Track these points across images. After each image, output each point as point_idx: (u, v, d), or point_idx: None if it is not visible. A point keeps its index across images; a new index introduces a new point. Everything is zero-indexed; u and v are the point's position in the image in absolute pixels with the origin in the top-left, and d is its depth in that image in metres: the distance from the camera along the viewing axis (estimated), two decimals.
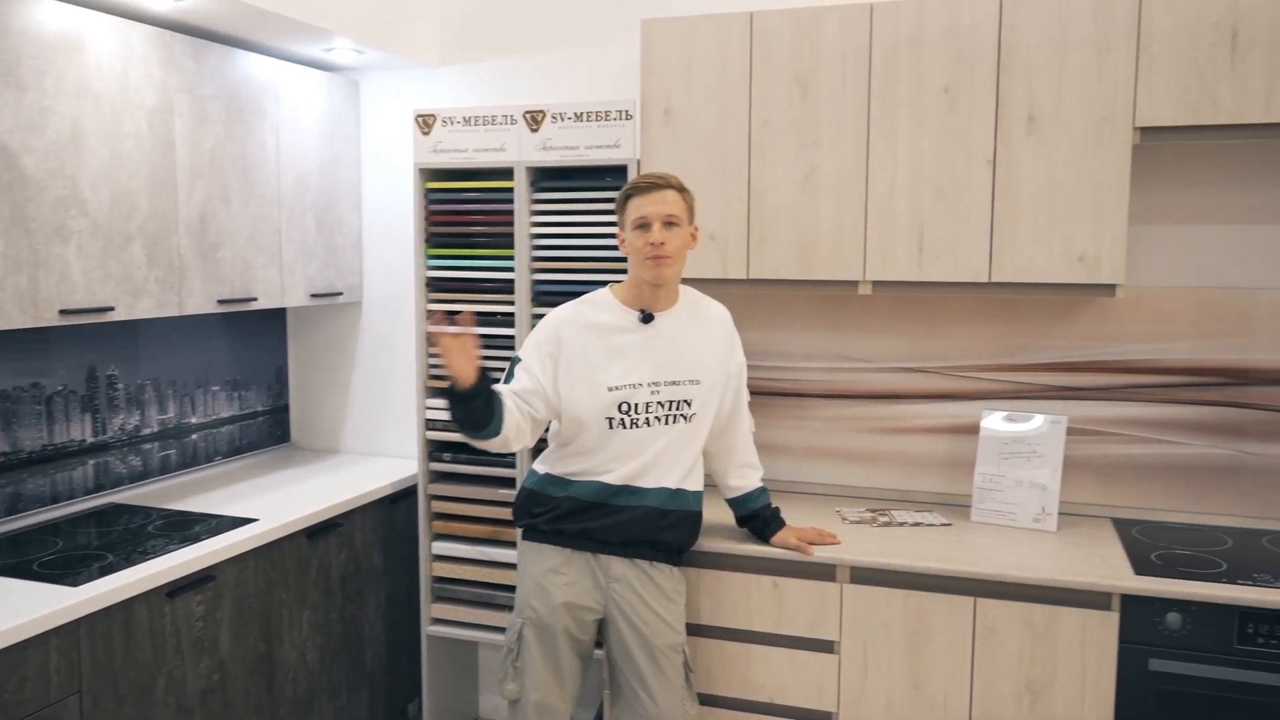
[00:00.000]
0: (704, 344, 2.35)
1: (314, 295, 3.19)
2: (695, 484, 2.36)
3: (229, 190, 2.84)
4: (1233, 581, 2.20)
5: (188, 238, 2.70)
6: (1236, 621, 2.16)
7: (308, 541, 2.75)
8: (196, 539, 2.47)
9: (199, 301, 2.75)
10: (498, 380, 2.23)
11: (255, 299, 2.94)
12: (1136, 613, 2.22)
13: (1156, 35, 2.33)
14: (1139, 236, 2.68)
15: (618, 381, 2.27)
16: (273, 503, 2.83)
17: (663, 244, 2.23)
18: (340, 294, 3.33)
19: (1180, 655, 2.20)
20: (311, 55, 3.15)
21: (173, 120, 2.64)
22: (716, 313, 2.42)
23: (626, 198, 2.29)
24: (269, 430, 3.51)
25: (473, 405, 2.17)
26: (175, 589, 2.32)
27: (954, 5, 2.46)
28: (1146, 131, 2.38)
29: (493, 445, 2.27)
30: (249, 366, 3.41)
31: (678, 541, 2.35)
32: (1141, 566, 2.30)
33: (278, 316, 3.54)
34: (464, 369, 2.12)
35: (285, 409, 3.58)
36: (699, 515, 2.39)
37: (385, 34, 3.04)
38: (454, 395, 2.16)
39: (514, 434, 2.26)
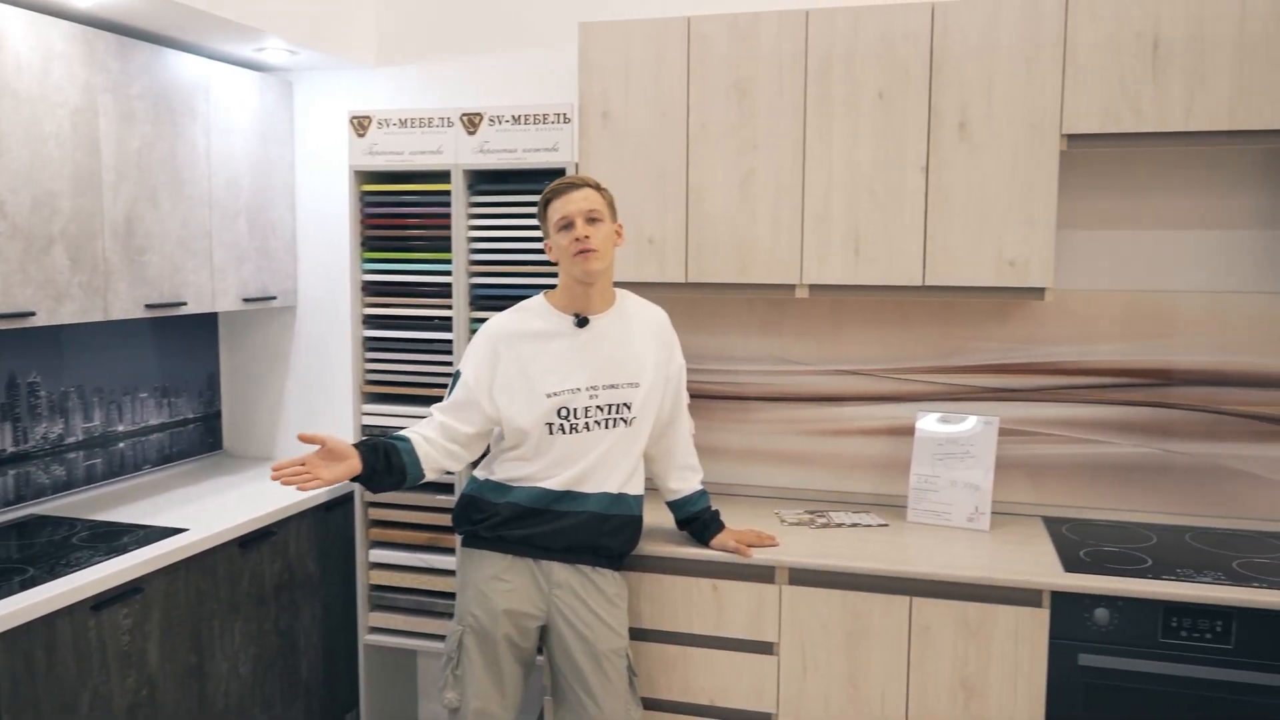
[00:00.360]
0: (641, 346, 2.35)
1: (246, 299, 3.13)
2: (636, 488, 2.36)
3: (157, 192, 2.77)
4: (1157, 577, 2.26)
5: (113, 241, 2.63)
6: (1161, 616, 2.22)
7: (240, 551, 2.69)
8: (124, 550, 2.41)
9: (125, 306, 2.68)
10: (377, 444, 2.24)
11: (185, 303, 2.87)
12: (1066, 609, 2.27)
13: (1082, 45, 2.39)
14: (1067, 241, 2.75)
15: (556, 387, 2.26)
16: (204, 512, 2.77)
17: (588, 237, 2.23)
18: (274, 298, 3.27)
19: (1108, 650, 2.25)
20: (243, 55, 3.09)
21: (97, 120, 2.57)
22: (654, 315, 2.42)
23: (546, 204, 2.30)
24: (200, 438, 3.43)
25: (378, 479, 2.23)
26: (101, 602, 2.25)
27: (888, 13, 2.49)
28: (1073, 139, 2.44)
29: (429, 479, 2.31)
30: (179, 372, 3.33)
31: (620, 546, 2.35)
32: (1071, 564, 2.35)
33: (209, 321, 3.46)
34: (335, 472, 2.15)
35: (217, 416, 3.51)
36: (640, 519, 2.39)
37: (319, 34, 2.99)
38: (358, 480, 2.22)
39: (445, 463, 2.31)
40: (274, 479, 2.10)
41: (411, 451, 2.25)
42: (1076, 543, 2.53)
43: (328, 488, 2.74)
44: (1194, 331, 2.68)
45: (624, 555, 2.39)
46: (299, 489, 2.11)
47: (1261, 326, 2.64)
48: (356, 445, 2.21)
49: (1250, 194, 2.63)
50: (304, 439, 2.14)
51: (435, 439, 2.28)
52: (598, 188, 2.30)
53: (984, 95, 2.45)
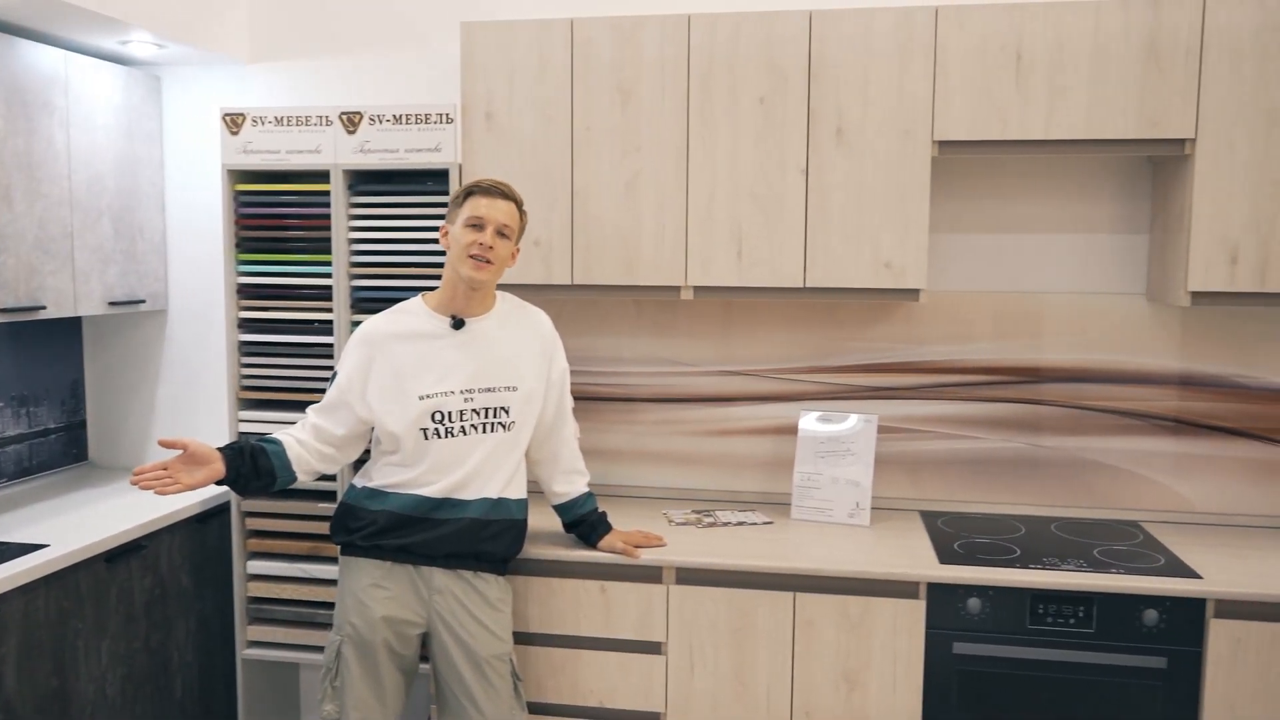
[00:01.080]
0: (521, 350, 2.34)
1: (112, 303, 2.99)
2: (518, 492, 2.34)
3: (11, 191, 2.62)
4: (1025, 566, 2.36)
5: None
6: (1029, 603, 2.31)
7: (106, 566, 2.56)
8: None
9: None
10: (243, 447, 2.23)
11: (44, 308, 2.72)
12: (941, 600, 2.35)
13: (951, 55, 2.48)
14: (941, 244, 2.84)
15: (429, 390, 2.23)
16: (67, 526, 2.63)
17: (491, 248, 2.22)
18: (142, 301, 3.13)
19: (980, 637, 2.34)
20: (107, 48, 2.95)
21: None
22: (536, 319, 2.41)
23: (468, 194, 2.28)
24: (63, 449, 3.26)
25: (244, 482, 2.22)
26: None
27: (768, 19, 2.54)
28: (944, 145, 2.53)
29: (302, 483, 2.31)
30: (39, 380, 3.15)
31: (502, 551, 2.32)
32: (945, 556, 2.44)
33: (72, 326, 3.29)
34: (197, 477, 2.15)
35: (82, 425, 3.34)
36: (523, 523, 2.37)
37: (189, 27, 2.88)
38: (224, 484, 2.21)
39: (318, 465, 2.31)
40: (133, 484, 2.08)
41: (281, 454, 2.23)
42: (951, 535, 2.62)
43: (191, 492, 2.68)
44: (1059, 331, 2.81)
45: (507, 560, 2.37)
46: (158, 494, 2.09)
47: (1120, 326, 2.78)
48: (222, 449, 2.18)
49: (1107, 200, 2.77)
50: (164, 444, 2.13)
51: (308, 441, 2.27)
52: (520, 207, 2.31)
53: (860, 102, 2.52)
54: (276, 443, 2.24)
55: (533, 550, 2.47)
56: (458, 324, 2.28)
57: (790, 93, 2.54)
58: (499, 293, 2.38)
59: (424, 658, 2.41)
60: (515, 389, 2.30)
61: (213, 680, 3.00)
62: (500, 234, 2.25)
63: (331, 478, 2.78)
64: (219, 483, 2.18)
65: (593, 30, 2.61)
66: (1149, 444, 2.78)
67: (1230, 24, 2.37)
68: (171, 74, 3.22)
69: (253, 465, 2.20)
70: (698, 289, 2.63)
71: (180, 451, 2.15)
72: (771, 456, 2.95)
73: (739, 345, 2.95)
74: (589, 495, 2.51)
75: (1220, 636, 2.24)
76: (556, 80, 2.63)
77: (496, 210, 2.25)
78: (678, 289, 2.64)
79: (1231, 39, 2.37)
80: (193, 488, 2.13)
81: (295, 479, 2.26)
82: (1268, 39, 2.36)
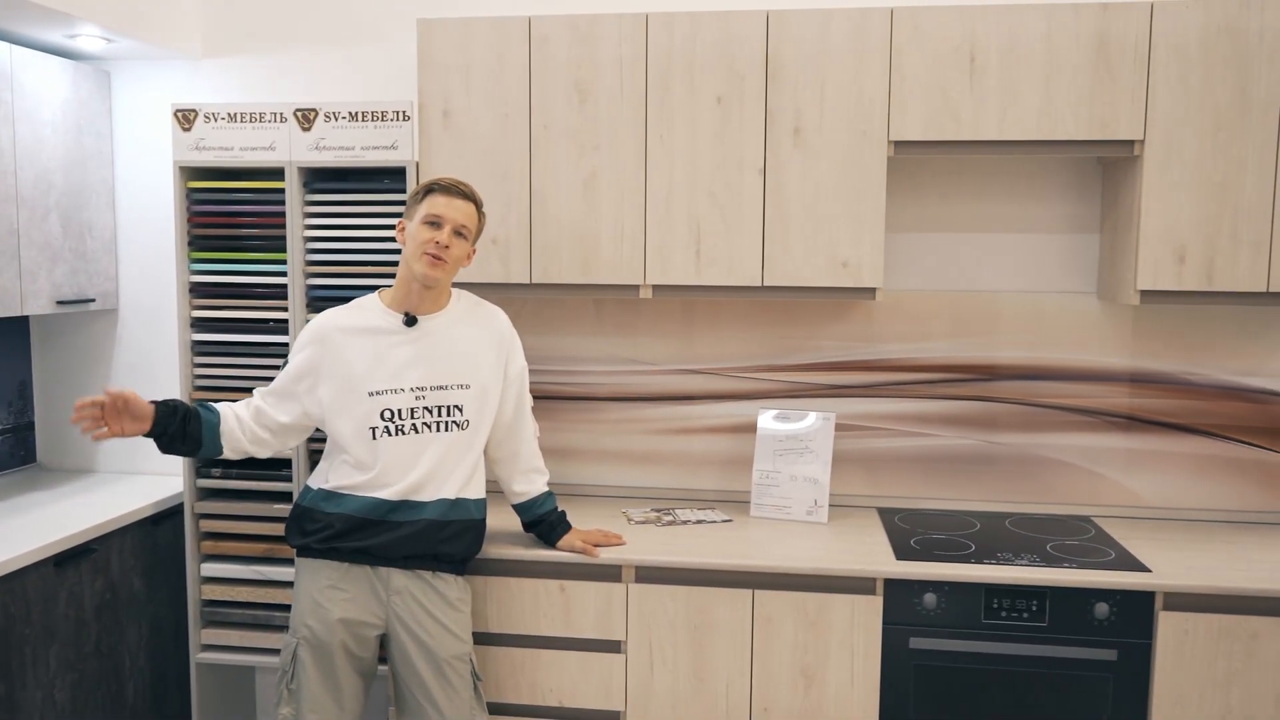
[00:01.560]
0: (475, 348, 2.33)
1: (61, 302, 2.93)
2: (476, 492, 2.33)
3: None
4: (979, 562, 2.39)
5: None
6: (983, 597, 2.34)
7: (55, 570, 2.51)
8: None
9: None
10: (179, 407, 2.24)
11: None
12: (897, 595, 2.37)
13: (906, 56, 2.50)
14: (897, 244, 2.87)
15: (380, 386, 2.22)
16: (13, 529, 2.57)
17: (447, 248, 2.22)
18: (92, 300, 3.07)
19: (936, 632, 2.36)
20: (54, 41, 2.90)
21: None
22: (492, 316, 2.40)
23: (428, 191, 2.26)
24: (11, 450, 3.19)
25: (167, 440, 2.22)
26: None
27: (725, 19, 2.55)
28: (900, 145, 2.55)
29: (228, 457, 2.31)
30: None
31: (461, 552, 2.31)
32: (902, 552, 2.46)
33: (19, 326, 3.22)
34: (126, 428, 2.16)
35: (30, 426, 3.27)
36: (482, 523, 2.36)
37: (139, 21, 2.83)
38: (148, 436, 2.21)
39: (249, 446, 2.31)
40: (73, 422, 2.13)
41: (214, 426, 2.25)
42: (908, 531, 2.64)
43: (143, 496, 2.65)
44: (1013, 330, 2.85)
45: (466, 560, 2.36)
46: (84, 432, 2.12)
47: (1072, 325, 2.82)
48: (158, 403, 2.21)
49: (1058, 201, 2.81)
50: (110, 394, 2.16)
51: (246, 420, 2.29)
52: (479, 209, 2.31)
53: (817, 102, 2.53)
54: (214, 414, 2.26)
55: (492, 550, 2.46)
56: (410, 321, 2.26)
57: (748, 92, 2.55)
58: (455, 290, 2.37)
59: (382, 659, 2.39)
60: (468, 387, 2.29)
61: (166, 685, 2.96)
62: (458, 233, 2.25)
63: (288, 479, 2.75)
64: (145, 434, 2.21)
65: (550, 28, 2.60)
66: (1101, 440, 2.83)
67: (1177, 28, 2.41)
68: (121, 69, 3.16)
69: (181, 428, 2.22)
70: (656, 288, 2.64)
71: (105, 400, 2.17)
72: (730, 455, 2.96)
73: (698, 344, 2.95)
74: (548, 494, 2.50)
75: (1169, 628, 2.29)
76: (514, 78, 2.62)
77: (455, 210, 2.24)
78: (636, 288, 2.64)
79: (1178, 43, 2.42)
80: (122, 436, 2.17)
81: (221, 453, 2.28)
82: (1212, 42, 2.41)
